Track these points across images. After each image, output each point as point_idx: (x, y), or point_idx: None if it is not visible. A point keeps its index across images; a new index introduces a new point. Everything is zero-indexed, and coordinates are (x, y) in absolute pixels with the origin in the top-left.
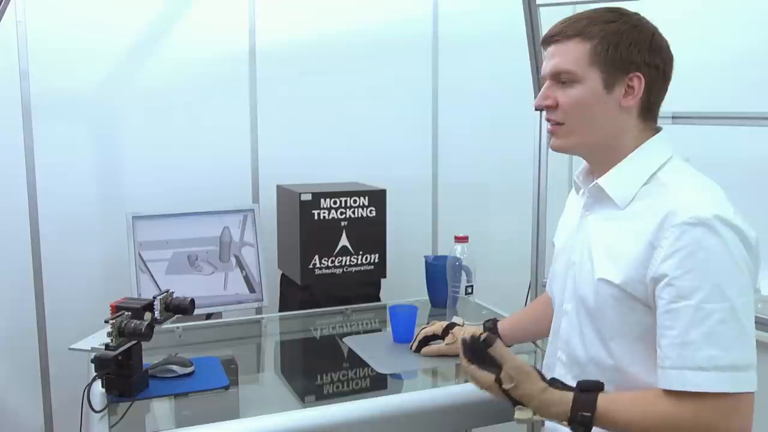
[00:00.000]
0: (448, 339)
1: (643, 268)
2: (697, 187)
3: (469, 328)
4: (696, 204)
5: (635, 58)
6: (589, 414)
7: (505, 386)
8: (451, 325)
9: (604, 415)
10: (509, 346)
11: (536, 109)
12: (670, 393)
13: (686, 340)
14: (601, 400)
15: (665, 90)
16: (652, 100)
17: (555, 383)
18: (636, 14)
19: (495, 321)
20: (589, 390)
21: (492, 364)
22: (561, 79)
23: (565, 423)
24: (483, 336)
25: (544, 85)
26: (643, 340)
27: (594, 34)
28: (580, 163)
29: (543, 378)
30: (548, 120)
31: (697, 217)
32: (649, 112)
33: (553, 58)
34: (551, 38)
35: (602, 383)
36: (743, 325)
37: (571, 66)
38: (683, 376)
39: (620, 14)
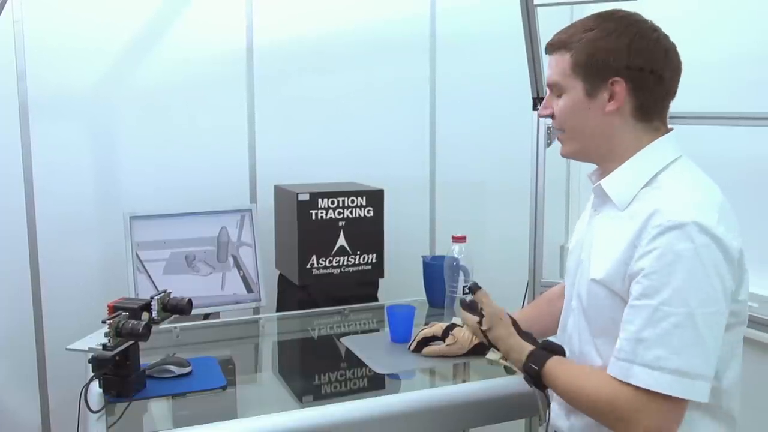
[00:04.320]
0: (449, 340)
1: (624, 266)
2: (689, 191)
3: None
4: (678, 208)
5: (612, 64)
6: (536, 367)
7: (483, 327)
8: (451, 326)
9: (549, 372)
10: None
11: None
12: (612, 377)
13: (640, 337)
14: (552, 360)
15: (664, 89)
16: (645, 101)
17: (526, 336)
18: (622, 16)
19: None
20: (548, 350)
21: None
22: (553, 89)
23: (519, 371)
24: (470, 284)
25: (546, 95)
26: None
27: (572, 45)
28: (579, 163)
29: (516, 326)
30: (553, 127)
31: (673, 221)
32: (645, 114)
33: (548, 70)
34: (546, 50)
35: (563, 349)
36: (700, 334)
37: (557, 78)
38: (630, 369)
39: (602, 20)
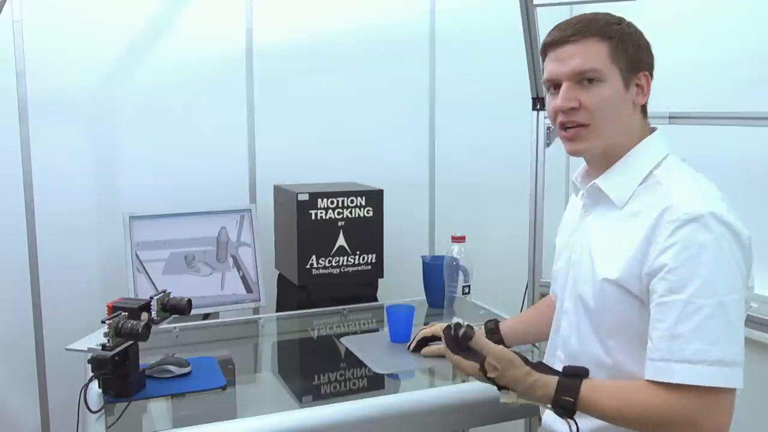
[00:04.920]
0: None
1: (639, 264)
2: (692, 184)
3: None
4: (691, 200)
5: (644, 58)
6: (571, 399)
7: (490, 375)
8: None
9: (587, 400)
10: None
11: (557, 112)
12: (653, 384)
13: (675, 333)
14: (585, 385)
15: None
16: (648, 98)
17: (540, 367)
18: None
19: (496, 322)
20: (573, 375)
21: (475, 353)
22: (587, 77)
23: (549, 406)
24: (462, 331)
25: (565, 87)
26: (641, 339)
27: (612, 33)
28: (578, 163)
29: (527, 362)
30: (567, 122)
31: (691, 213)
32: (645, 110)
33: (573, 59)
34: (567, 38)
35: (587, 370)
36: (731, 321)
37: (596, 64)
38: (670, 368)
39: (620, 18)
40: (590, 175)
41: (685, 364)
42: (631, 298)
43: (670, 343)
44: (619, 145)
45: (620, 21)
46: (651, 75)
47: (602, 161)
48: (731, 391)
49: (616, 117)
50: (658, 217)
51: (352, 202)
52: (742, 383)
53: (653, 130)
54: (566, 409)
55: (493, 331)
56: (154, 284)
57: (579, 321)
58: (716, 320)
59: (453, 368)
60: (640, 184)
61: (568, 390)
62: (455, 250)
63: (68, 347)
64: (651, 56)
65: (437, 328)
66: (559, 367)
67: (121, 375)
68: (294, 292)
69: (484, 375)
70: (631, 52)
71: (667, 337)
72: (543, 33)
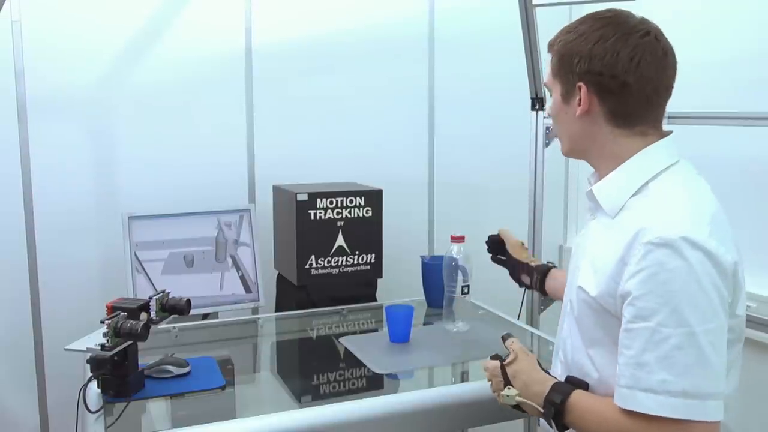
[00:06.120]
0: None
1: (614, 283)
2: (678, 203)
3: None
4: (666, 223)
5: (576, 69)
6: (560, 398)
7: (506, 360)
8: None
9: (574, 405)
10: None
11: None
12: (623, 409)
13: (640, 362)
14: (577, 393)
15: (637, 96)
16: (617, 107)
17: (548, 373)
18: (601, 18)
19: (552, 266)
20: (572, 383)
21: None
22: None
23: (539, 405)
24: (504, 333)
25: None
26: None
27: (554, 46)
28: (578, 163)
29: (541, 367)
30: None
31: (662, 238)
32: (622, 119)
33: None
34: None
35: (587, 384)
36: (704, 352)
37: (546, 78)
38: (634, 396)
39: (580, 22)
40: (596, 179)
41: (649, 394)
42: (606, 314)
43: (634, 370)
44: (583, 152)
45: (573, 29)
46: (598, 84)
47: (593, 165)
48: (708, 424)
49: (561, 127)
50: (633, 238)
51: (351, 202)
52: (720, 415)
53: (667, 134)
54: (553, 406)
55: (544, 273)
56: (153, 284)
57: (572, 326)
58: (684, 351)
59: (452, 368)
60: (633, 195)
61: (560, 391)
62: (454, 250)
63: (67, 347)
64: (592, 64)
65: (513, 239)
66: (560, 368)
67: (120, 375)
68: (293, 292)
69: (500, 364)
70: (562, 64)
71: (632, 364)
72: (542, 33)
